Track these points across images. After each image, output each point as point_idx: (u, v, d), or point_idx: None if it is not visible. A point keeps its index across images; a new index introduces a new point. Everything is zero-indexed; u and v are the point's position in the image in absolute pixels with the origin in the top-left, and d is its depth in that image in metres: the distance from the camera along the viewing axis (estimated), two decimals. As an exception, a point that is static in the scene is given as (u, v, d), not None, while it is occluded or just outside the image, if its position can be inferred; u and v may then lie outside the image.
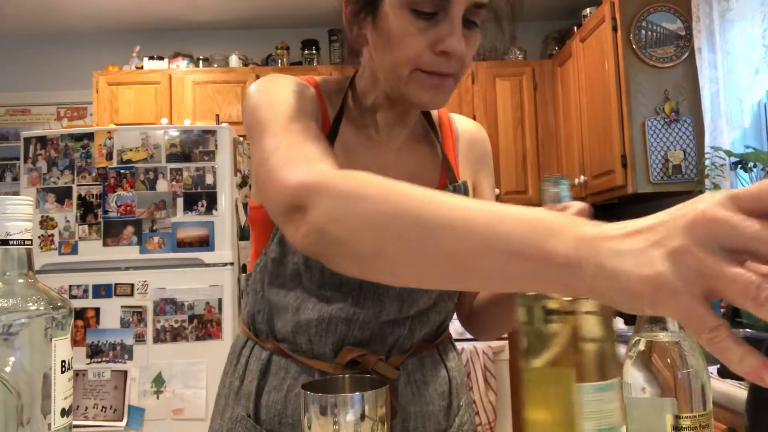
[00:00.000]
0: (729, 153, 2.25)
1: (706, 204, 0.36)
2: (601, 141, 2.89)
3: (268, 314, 0.86)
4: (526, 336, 0.60)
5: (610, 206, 3.31)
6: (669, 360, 0.56)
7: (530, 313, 0.60)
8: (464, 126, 0.97)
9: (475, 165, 0.95)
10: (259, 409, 0.84)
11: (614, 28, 2.68)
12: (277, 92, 0.80)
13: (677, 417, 0.55)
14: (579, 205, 0.62)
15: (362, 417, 0.62)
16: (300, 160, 0.65)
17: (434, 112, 0.96)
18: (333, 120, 0.86)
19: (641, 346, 0.58)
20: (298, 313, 0.82)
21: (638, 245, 0.37)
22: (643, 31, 2.65)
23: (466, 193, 0.89)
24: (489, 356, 2.83)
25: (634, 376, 0.57)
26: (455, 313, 0.96)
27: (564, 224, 0.42)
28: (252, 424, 0.83)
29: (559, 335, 0.58)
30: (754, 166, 2.18)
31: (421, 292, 0.83)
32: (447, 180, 0.89)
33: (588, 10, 3.21)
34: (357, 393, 0.63)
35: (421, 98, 0.78)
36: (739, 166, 2.22)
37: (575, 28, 3.36)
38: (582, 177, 3.13)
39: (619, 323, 2.51)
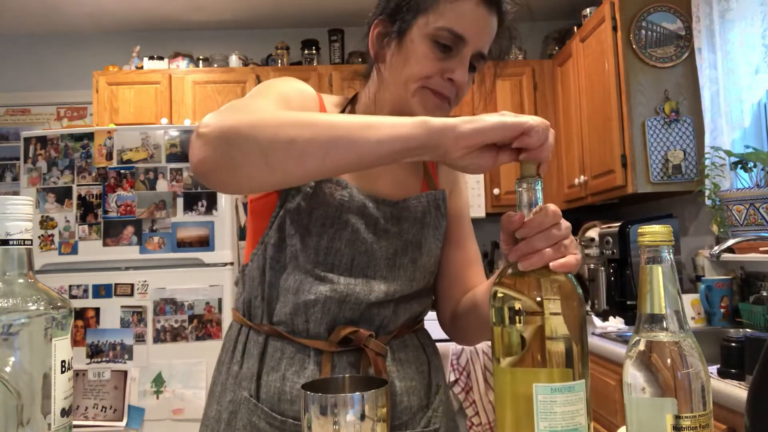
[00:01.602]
0: (729, 153, 2.25)
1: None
2: (601, 141, 2.89)
3: (268, 298, 0.92)
4: (495, 337, 0.63)
5: (610, 206, 3.31)
6: (669, 360, 0.56)
7: (499, 314, 0.63)
8: None
9: (450, 173, 1.08)
10: (259, 389, 0.90)
11: (614, 28, 2.68)
12: (279, 84, 0.91)
13: (677, 417, 0.55)
14: (551, 207, 0.68)
15: (362, 417, 0.62)
16: (233, 110, 0.74)
17: None
18: None
19: (641, 346, 0.58)
20: (298, 295, 0.89)
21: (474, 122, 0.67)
22: (643, 31, 2.65)
23: (443, 200, 1.00)
24: (489, 356, 2.83)
25: (634, 376, 0.57)
26: (439, 322, 1.06)
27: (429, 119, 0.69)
28: (254, 404, 0.89)
29: (525, 336, 0.60)
30: (754, 166, 2.18)
31: (401, 274, 0.93)
32: (427, 188, 1.01)
33: (588, 10, 3.21)
34: (357, 393, 0.63)
35: (423, 111, 0.90)
36: (739, 166, 2.22)
37: (575, 28, 3.36)
38: (582, 177, 3.13)
39: (620, 323, 2.51)
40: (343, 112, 0.98)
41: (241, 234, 2.71)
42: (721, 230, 2.29)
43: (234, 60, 3.74)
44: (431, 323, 1.04)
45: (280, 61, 3.80)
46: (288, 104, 0.86)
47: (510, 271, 0.65)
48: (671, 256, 0.59)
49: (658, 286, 0.58)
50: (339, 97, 1.04)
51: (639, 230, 0.60)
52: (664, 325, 0.58)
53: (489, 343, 2.74)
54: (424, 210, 0.96)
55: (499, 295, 0.63)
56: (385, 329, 0.92)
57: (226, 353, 0.97)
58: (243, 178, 0.70)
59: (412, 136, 0.68)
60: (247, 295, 0.95)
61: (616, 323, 2.50)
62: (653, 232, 0.59)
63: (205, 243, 2.56)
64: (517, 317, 0.61)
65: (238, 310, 0.97)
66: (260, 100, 0.83)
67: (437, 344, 1.05)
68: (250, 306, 0.94)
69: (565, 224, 0.67)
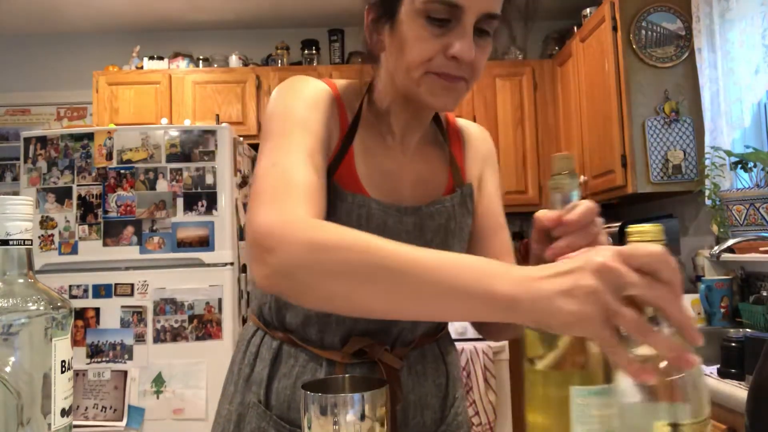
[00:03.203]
0: (729, 153, 2.25)
1: (605, 256, 0.50)
2: (601, 141, 2.89)
3: (276, 307, 0.89)
4: (531, 338, 0.59)
5: (610, 206, 3.31)
6: (661, 365, 0.55)
7: None
8: (470, 129, 1.03)
9: (480, 164, 1.00)
10: (269, 395, 0.87)
11: (614, 28, 2.68)
12: (294, 103, 0.84)
13: (670, 424, 0.53)
14: (589, 203, 0.64)
15: (362, 417, 0.62)
16: (279, 197, 0.71)
17: (443, 117, 1.01)
18: (352, 121, 0.90)
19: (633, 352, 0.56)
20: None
21: (563, 286, 0.50)
22: (643, 31, 2.64)
23: (471, 195, 0.95)
24: (489, 356, 2.83)
25: (625, 381, 0.56)
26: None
27: (501, 268, 0.55)
28: (263, 410, 0.86)
29: (563, 338, 0.58)
30: (754, 166, 2.18)
31: None
32: (454, 182, 0.94)
33: (588, 10, 3.21)
34: (357, 393, 0.63)
35: (432, 99, 0.83)
36: (739, 166, 2.22)
37: (575, 28, 3.36)
38: (582, 177, 3.13)
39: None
40: (361, 102, 0.91)
41: (241, 234, 2.71)
42: (721, 230, 2.29)
43: (234, 60, 3.74)
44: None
45: (280, 61, 3.80)
46: (312, 135, 0.80)
47: None
48: None
49: None
50: (353, 82, 0.95)
51: (627, 230, 0.57)
52: (654, 328, 0.56)
53: (489, 343, 2.72)
54: (449, 215, 0.90)
55: None
56: (404, 340, 0.88)
57: (239, 353, 0.94)
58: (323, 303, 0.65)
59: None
60: (258, 302, 0.93)
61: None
62: (642, 232, 0.56)
63: (205, 243, 2.56)
64: None
65: (254, 313, 0.95)
66: (291, 156, 0.76)
67: None
68: (261, 312, 0.92)
69: (599, 220, 0.65)
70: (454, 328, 2.80)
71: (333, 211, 0.83)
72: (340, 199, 0.84)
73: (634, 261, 0.49)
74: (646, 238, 0.56)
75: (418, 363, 0.90)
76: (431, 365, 0.91)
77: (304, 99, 0.85)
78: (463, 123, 1.03)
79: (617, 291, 0.49)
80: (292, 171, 0.75)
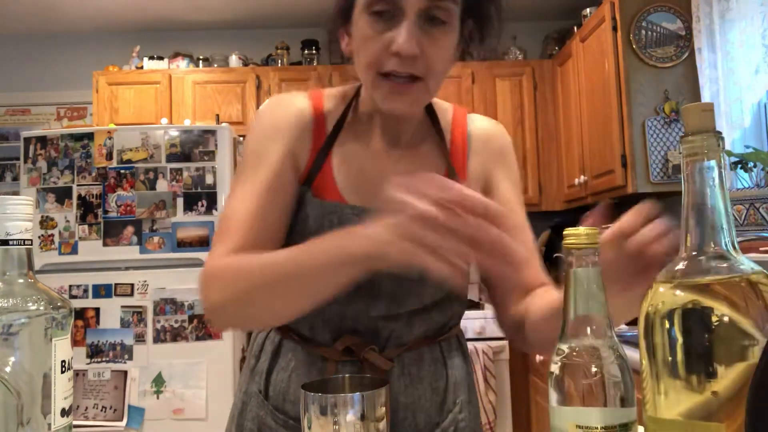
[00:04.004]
0: (729, 153, 2.25)
1: (416, 206, 0.61)
2: (601, 141, 2.89)
3: None
4: (667, 366, 0.50)
5: (609, 206, 3.31)
6: (580, 368, 0.53)
7: (688, 323, 0.50)
8: (479, 125, 0.98)
9: (488, 162, 0.95)
10: (268, 386, 0.90)
11: (614, 28, 2.67)
12: (252, 138, 0.89)
13: (580, 427, 0.52)
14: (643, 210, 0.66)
15: (362, 417, 0.62)
16: (216, 241, 0.83)
17: (447, 113, 0.97)
18: (332, 130, 0.90)
19: (558, 354, 0.55)
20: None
21: (389, 234, 0.62)
22: (643, 31, 2.64)
23: None
24: (489, 356, 2.83)
25: (551, 384, 0.55)
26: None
27: (349, 236, 0.68)
28: (261, 400, 0.90)
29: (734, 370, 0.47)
30: (754, 166, 2.18)
31: (410, 294, 0.86)
32: None
33: (588, 10, 3.21)
34: (357, 393, 0.63)
35: (385, 104, 0.80)
36: (739, 166, 2.22)
37: (575, 28, 3.36)
38: (582, 177, 3.13)
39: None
40: (348, 106, 0.92)
41: (241, 234, 2.70)
42: (721, 230, 2.29)
43: (234, 60, 3.74)
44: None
45: (280, 61, 3.80)
46: (265, 166, 0.85)
47: None
48: (597, 258, 0.55)
49: (582, 291, 0.55)
50: (343, 88, 0.95)
51: (564, 232, 0.56)
52: (587, 331, 0.54)
53: (489, 343, 2.70)
54: None
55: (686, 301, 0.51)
56: (397, 341, 0.87)
57: (251, 344, 0.97)
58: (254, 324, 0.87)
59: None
60: None
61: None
62: (577, 234, 0.55)
63: (205, 243, 2.56)
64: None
65: None
66: (237, 197, 0.85)
67: None
68: None
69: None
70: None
71: (306, 221, 0.85)
72: (312, 207, 0.85)
73: (444, 201, 0.59)
74: (580, 241, 0.55)
75: (412, 365, 0.88)
76: (428, 368, 0.88)
77: (263, 131, 0.89)
78: (474, 118, 0.99)
79: (427, 224, 0.59)
80: (232, 211, 0.84)
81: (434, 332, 0.91)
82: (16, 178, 3.86)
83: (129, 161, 2.60)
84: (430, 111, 0.95)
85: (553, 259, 3.40)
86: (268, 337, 0.93)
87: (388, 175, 0.86)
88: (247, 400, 0.92)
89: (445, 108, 0.98)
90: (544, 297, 0.85)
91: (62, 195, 2.61)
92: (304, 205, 0.86)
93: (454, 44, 0.81)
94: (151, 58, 3.69)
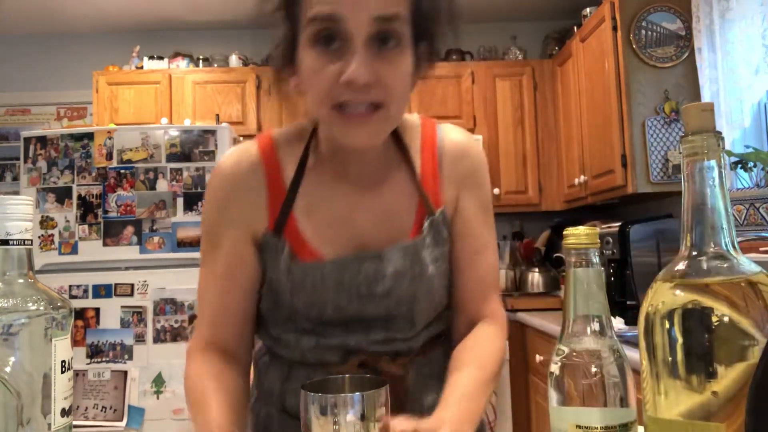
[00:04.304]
0: (729, 153, 2.25)
1: None
2: (601, 141, 2.89)
3: (270, 345, 0.93)
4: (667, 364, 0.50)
5: (610, 206, 3.31)
6: (580, 369, 0.53)
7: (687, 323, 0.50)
8: (450, 140, 0.90)
9: (458, 184, 0.89)
10: (284, 407, 0.90)
11: (614, 28, 2.67)
12: (205, 216, 0.89)
13: (580, 427, 0.52)
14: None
15: (362, 417, 0.62)
16: (197, 325, 0.88)
17: (415, 131, 0.90)
18: (294, 175, 0.85)
19: (559, 354, 0.55)
20: (299, 345, 0.86)
21: None
22: (643, 31, 2.64)
23: (444, 223, 0.87)
24: (489, 356, 2.83)
25: (552, 384, 0.55)
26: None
27: None
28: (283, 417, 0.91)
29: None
30: (754, 166, 2.18)
31: (405, 323, 0.85)
32: (425, 211, 0.86)
33: (588, 10, 3.21)
34: (357, 393, 0.63)
35: (345, 138, 0.75)
36: (739, 166, 2.22)
37: (575, 28, 3.36)
38: (582, 177, 3.13)
39: (620, 323, 2.51)
40: (307, 146, 0.86)
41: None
42: (721, 230, 2.29)
43: (234, 60, 3.74)
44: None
45: (280, 61, 3.80)
46: (219, 248, 0.85)
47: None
48: (597, 259, 0.55)
49: (582, 291, 0.55)
50: (298, 127, 0.89)
51: (564, 232, 0.56)
52: (587, 331, 0.54)
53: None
54: (412, 261, 0.83)
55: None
56: (407, 350, 0.86)
57: (254, 359, 0.96)
58: None
59: None
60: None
61: (616, 323, 2.50)
62: (577, 234, 0.55)
63: (205, 243, 2.56)
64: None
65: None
66: (201, 285, 0.88)
67: None
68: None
69: None
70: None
71: (286, 282, 0.83)
72: (290, 271, 0.83)
73: None
74: (580, 241, 0.55)
75: (424, 366, 0.88)
76: (437, 366, 0.88)
77: (214, 214, 0.87)
78: (444, 133, 0.91)
79: None
80: (201, 293, 0.88)
81: (437, 336, 0.91)
82: (16, 178, 3.86)
83: (129, 161, 2.60)
84: (396, 135, 0.88)
85: (553, 259, 3.41)
86: (272, 364, 0.91)
87: (362, 214, 0.84)
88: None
89: (412, 124, 0.91)
90: (460, 359, 0.83)
91: (62, 195, 2.61)
92: (278, 262, 0.83)
93: (410, 66, 0.75)
94: (151, 58, 3.69)
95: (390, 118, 0.75)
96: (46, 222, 2.60)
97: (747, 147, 2.29)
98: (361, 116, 0.72)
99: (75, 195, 2.60)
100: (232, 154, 0.88)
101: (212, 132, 2.63)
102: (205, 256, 0.88)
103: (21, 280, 0.58)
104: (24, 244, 0.58)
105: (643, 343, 0.53)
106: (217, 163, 0.89)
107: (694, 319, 0.50)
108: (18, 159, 2.88)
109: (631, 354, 0.64)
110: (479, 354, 0.83)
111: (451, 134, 0.91)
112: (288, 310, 0.85)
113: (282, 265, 0.83)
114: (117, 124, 3.17)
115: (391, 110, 0.74)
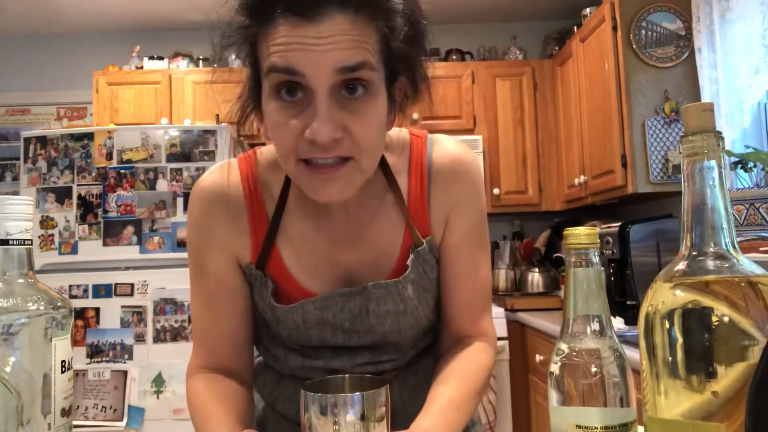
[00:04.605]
0: (729, 153, 2.25)
1: None
2: (601, 141, 2.89)
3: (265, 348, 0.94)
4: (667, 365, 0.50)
5: (610, 206, 3.31)
6: (579, 368, 0.54)
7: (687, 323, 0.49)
8: (442, 154, 0.85)
9: (448, 206, 0.85)
10: (275, 410, 0.93)
11: (614, 28, 2.67)
12: (190, 239, 0.86)
13: (580, 427, 0.52)
14: None
15: (362, 417, 0.62)
16: (193, 349, 0.88)
17: (402, 150, 0.85)
18: (276, 207, 0.83)
19: (558, 354, 0.55)
20: (287, 362, 0.88)
21: None
22: (643, 31, 2.64)
23: (432, 251, 0.84)
24: (489, 356, 2.83)
25: (551, 384, 0.55)
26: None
27: None
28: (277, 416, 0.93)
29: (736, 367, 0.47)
30: (754, 166, 2.18)
31: (391, 348, 0.86)
32: (411, 240, 0.83)
33: (588, 10, 3.21)
34: (357, 393, 0.63)
35: (314, 194, 0.71)
36: (739, 166, 2.22)
37: (575, 28, 3.36)
38: (582, 177, 3.13)
39: (620, 323, 2.51)
40: (286, 181, 0.83)
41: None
42: (721, 230, 2.29)
43: (234, 60, 3.73)
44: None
45: (280, 61, 3.80)
46: (206, 276, 0.85)
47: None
48: (597, 259, 0.55)
49: (581, 291, 0.55)
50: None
51: (564, 232, 0.56)
52: (587, 331, 0.55)
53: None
54: (398, 299, 0.81)
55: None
56: (393, 370, 0.87)
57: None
58: None
59: None
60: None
61: (616, 323, 2.50)
62: (577, 235, 0.55)
63: (205, 243, 2.56)
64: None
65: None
66: (193, 309, 0.87)
67: None
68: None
69: None
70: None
71: (270, 315, 0.84)
72: (273, 309, 0.82)
73: None
74: (580, 241, 0.55)
75: (410, 377, 0.88)
76: (424, 378, 0.87)
77: (197, 238, 0.85)
78: (437, 146, 0.86)
79: None
80: (194, 316, 0.87)
81: (426, 346, 0.92)
82: (16, 178, 3.86)
83: (129, 161, 2.60)
84: (382, 159, 0.82)
85: (553, 259, 3.41)
86: (266, 367, 0.94)
87: (346, 249, 0.82)
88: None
89: (400, 142, 0.86)
90: (443, 380, 0.81)
91: (62, 195, 2.61)
92: (262, 294, 0.83)
93: (384, 111, 0.70)
94: (151, 58, 3.69)
95: (362, 170, 0.70)
96: (46, 222, 2.60)
97: (747, 147, 2.29)
98: (329, 170, 0.67)
99: (75, 195, 2.60)
100: (214, 178, 0.84)
101: (212, 132, 2.63)
102: (193, 280, 0.86)
103: (21, 280, 0.58)
104: (24, 244, 0.58)
105: (643, 343, 0.53)
106: (196, 183, 0.86)
107: (694, 319, 0.50)
108: (18, 159, 2.88)
109: (631, 354, 0.64)
110: (464, 369, 0.82)
111: (442, 150, 0.85)
112: (274, 333, 0.87)
113: (266, 300, 0.83)
114: (117, 124, 3.17)
115: (362, 163, 0.69)
